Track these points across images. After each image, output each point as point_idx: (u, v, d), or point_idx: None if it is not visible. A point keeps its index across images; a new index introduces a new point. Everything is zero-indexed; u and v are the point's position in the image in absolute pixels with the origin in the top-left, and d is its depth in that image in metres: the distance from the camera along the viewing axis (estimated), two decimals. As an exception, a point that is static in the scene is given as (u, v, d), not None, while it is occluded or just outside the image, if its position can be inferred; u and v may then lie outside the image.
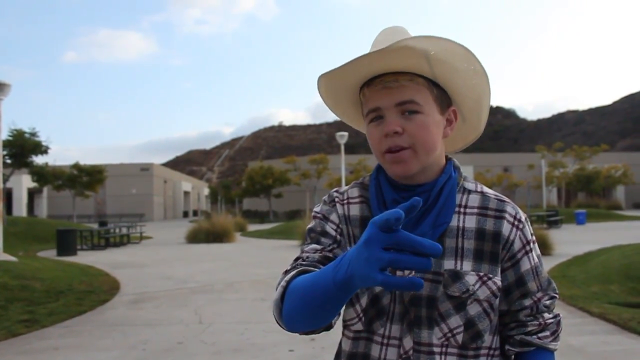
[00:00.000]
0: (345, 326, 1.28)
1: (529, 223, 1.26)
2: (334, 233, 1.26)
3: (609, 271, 9.49)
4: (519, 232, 1.22)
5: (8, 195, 49.46)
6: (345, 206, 1.29)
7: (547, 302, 1.25)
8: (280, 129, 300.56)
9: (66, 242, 17.67)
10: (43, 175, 32.83)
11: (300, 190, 53.07)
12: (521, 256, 1.22)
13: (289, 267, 1.19)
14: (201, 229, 22.57)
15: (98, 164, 41.80)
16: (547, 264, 11.50)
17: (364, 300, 1.22)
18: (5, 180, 20.97)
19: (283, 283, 1.11)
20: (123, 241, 22.59)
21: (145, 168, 63.51)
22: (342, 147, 24.12)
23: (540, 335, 1.23)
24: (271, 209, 53.85)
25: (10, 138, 26.92)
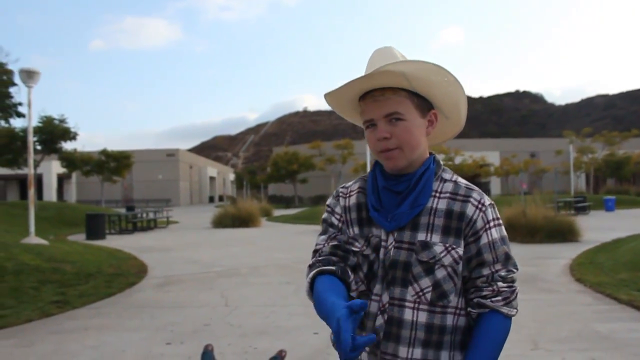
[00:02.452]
0: (355, 290, 1.57)
1: (495, 208, 1.55)
2: (337, 223, 1.63)
3: (639, 258, 9.34)
4: (481, 214, 1.50)
5: (38, 181, 50.38)
6: (347, 198, 1.65)
7: (503, 274, 1.51)
8: (305, 115, 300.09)
9: (95, 226, 17.99)
10: (72, 161, 33.31)
11: (326, 175, 52.99)
12: (482, 233, 1.50)
13: (310, 262, 1.58)
14: (227, 214, 22.74)
15: (125, 150, 42.26)
16: (574, 251, 11.37)
17: (365, 267, 1.55)
18: (35, 166, 21.34)
19: (308, 280, 1.52)
20: (150, 226, 22.92)
21: (171, 154, 64.07)
22: (367, 133, 24.00)
23: (493, 299, 1.48)
24: (296, 194, 53.98)
25: (40, 125, 27.33)
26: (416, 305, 1.46)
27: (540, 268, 9.56)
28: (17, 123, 31.23)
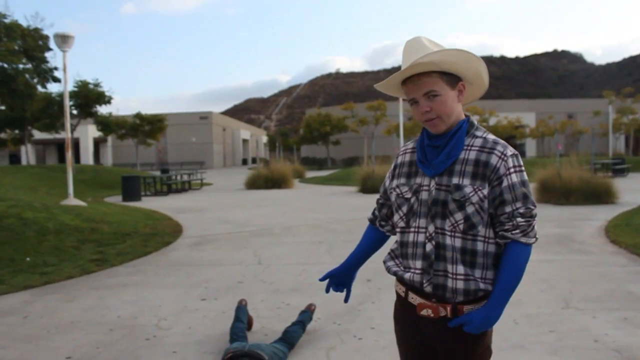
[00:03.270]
0: (396, 225, 2.09)
1: (517, 158, 1.90)
2: (387, 183, 2.16)
3: (676, 219, 9.15)
4: (503, 162, 1.87)
5: (76, 145, 51.37)
6: (402, 155, 2.13)
7: (522, 210, 1.86)
8: (337, 76, 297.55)
9: (131, 188, 18.34)
10: (107, 125, 33.76)
11: (358, 137, 52.72)
12: (503, 177, 1.87)
13: (369, 216, 2.31)
14: (260, 175, 22.90)
15: (159, 113, 42.64)
16: (610, 213, 11.19)
17: (404, 209, 2.02)
18: (72, 130, 21.74)
19: (370, 217, 2.31)
20: (184, 188, 23.26)
21: (205, 117, 64.41)
22: (400, 94, 23.71)
23: (513, 232, 1.86)
24: (329, 156, 53.99)
25: (76, 89, 27.70)
26: (453, 233, 1.89)
27: (574, 229, 9.46)
28: (53, 88, 31.76)
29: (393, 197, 2.08)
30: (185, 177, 24.51)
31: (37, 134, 34.95)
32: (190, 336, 4.43)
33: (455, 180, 1.89)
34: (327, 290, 2.35)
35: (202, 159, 60.88)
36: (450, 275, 1.88)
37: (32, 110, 25.43)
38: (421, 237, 1.94)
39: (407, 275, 1.98)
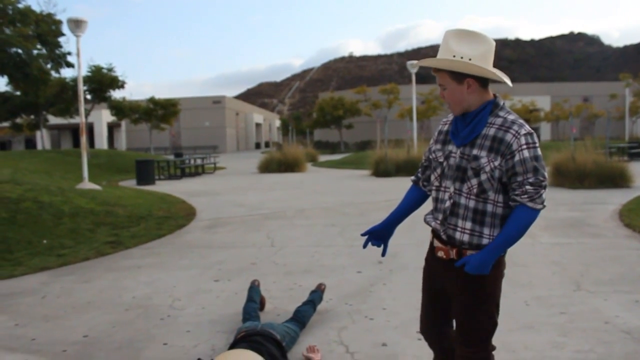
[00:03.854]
0: (432, 184, 2.49)
1: (531, 136, 2.19)
2: (430, 147, 2.54)
3: (691, 202, 9.08)
4: (516, 140, 2.19)
5: (90, 129, 51.73)
6: (443, 125, 2.52)
7: (531, 180, 2.17)
8: (350, 60, 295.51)
9: (145, 172, 18.48)
10: (121, 109, 33.90)
11: (371, 120, 52.57)
12: (515, 153, 2.18)
13: (413, 178, 2.68)
14: (273, 159, 22.97)
15: (172, 97, 42.73)
16: (625, 197, 11.09)
17: (438, 170, 2.43)
18: (86, 114, 21.88)
19: (413, 178, 2.68)
20: (198, 171, 23.40)
21: (218, 101, 64.43)
22: (414, 77, 23.65)
23: (521, 196, 2.19)
24: (342, 140, 53.92)
25: (89, 74, 27.81)
26: (468, 195, 2.29)
27: (587, 213, 9.42)
28: (67, 73, 31.88)
29: (432, 160, 2.50)
30: (199, 161, 24.64)
31: (52, 119, 35.13)
32: (204, 316, 4.51)
33: (475, 152, 2.26)
34: (365, 245, 2.72)
35: (215, 143, 61.01)
36: (459, 229, 2.31)
37: (45, 95, 25.58)
38: (446, 195, 2.37)
39: (433, 224, 2.46)
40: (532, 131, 2.22)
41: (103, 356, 3.75)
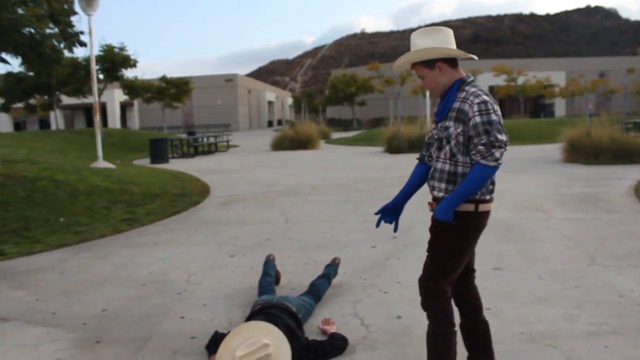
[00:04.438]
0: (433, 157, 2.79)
1: (485, 104, 2.49)
2: (433, 125, 2.85)
3: None
4: (471, 108, 2.51)
5: (103, 109, 51.78)
6: (436, 107, 2.78)
7: (483, 141, 2.46)
8: (362, 37, 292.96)
9: (158, 150, 18.60)
10: (133, 88, 34.01)
11: (384, 97, 52.17)
12: (471, 119, 2.51)
13: (418, 156, 2.95)
14: (286, 136, 22.95)
15: (184, 76, 42.73)
16: (637, 174, 10.94)
17: (435, 145, 2.74)
18: (99, 94, 21.94)
19: (418, 156, 2.95)
20: (211, 150, 23.48)
21: (230, 79, 64.30)
22: (426, 53, 23.35)
23: (475, 155, 2.49)
24: (355, 117, 53.68)
25: (101, 53, 27.85)
26: (444, 160, 2.65)
27: (602, 189, 9.36)
28: (79, 53, 31.93)
29: (430, 138, 2.86)
30: (212, 139, 24.67)
31: (65, 99, 35.32)
32: (220, 290, 4.57)
33: (446, 124, 2.63)
34: (378, 224, 2.98)
35: (228, 121, 61.00)
36: (436, 189, 2.69)
37: (58, 75, 25.67)
38: (434, 163, 2.74)
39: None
40: (487, 100, 2.51)
41: (122, 329, 3.82)
